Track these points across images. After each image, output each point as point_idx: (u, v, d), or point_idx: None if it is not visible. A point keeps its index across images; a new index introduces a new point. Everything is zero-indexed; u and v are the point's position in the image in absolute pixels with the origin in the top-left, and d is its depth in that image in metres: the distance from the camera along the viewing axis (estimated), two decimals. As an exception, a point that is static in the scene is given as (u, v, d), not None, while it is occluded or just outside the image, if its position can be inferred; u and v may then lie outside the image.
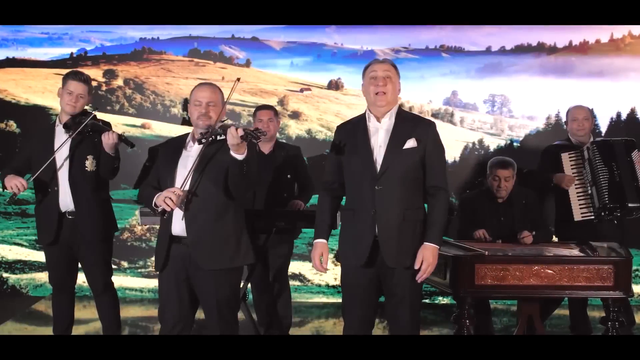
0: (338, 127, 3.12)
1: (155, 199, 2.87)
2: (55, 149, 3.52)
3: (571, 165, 4.15)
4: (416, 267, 2.86)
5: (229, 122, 3.02)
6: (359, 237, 2.91)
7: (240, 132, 2.71)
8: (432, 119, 5.60)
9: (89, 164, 3.58)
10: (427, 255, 2.85)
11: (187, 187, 2.87)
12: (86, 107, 3.66)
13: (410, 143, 2.89)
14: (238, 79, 2.98)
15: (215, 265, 2.90)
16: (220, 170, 2.87)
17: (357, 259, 2.91)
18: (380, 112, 2.96)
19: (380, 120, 2.96)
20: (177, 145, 3.05)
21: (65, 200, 3.55)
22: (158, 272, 3.04)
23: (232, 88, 2.95)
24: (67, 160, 3.54)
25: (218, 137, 2.89)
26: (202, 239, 2.89)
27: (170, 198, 2.79)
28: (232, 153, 2.77)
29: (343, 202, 3.10)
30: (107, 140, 3.48)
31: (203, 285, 2.93)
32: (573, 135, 4.25)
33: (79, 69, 3.87)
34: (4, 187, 3.53)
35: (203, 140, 2.87)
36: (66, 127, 3.55)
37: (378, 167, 2.89)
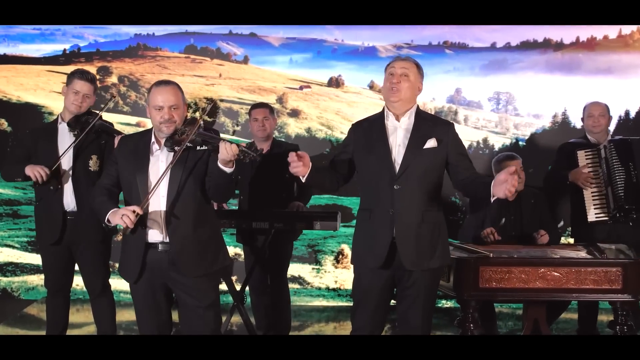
0: (354, 124, 3.12)
1: (109, 215, 2.81)
2: (60, 147, 3.57)
3: (587, 164, 4.15)
4: (501, 184, 2.67)
5: (201, 122, 2.91)
6: (376, 238, 2.91)
7: (236, 149, 2.68)
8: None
9: (93, 163, 3.62)
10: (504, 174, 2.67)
11: (164, 195, 2.84)
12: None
13: (431, 143, 2.91)
14: (220, 100, 2.97)
15: (199, 272, 2.90)
16: (199, 177, 2.87)
17: (374, 261, 2.91)
18: (399, 111, 2.97)
19: (400, 119, 2.97)
20: (137, 146, 2.94)
21: (67, 200, 3.58)
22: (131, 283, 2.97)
23: (210, 108, 2.95)
24: (71, 160, 3.57)
25: (198, 147, 2.84)
26: (185, 247, 2.87)
27: (128, 217, 2.73)
28: (220, 165, 2.76)
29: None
30: None
31: (186, 292, 2.91)
32: (589, 133, 4.26)
33: (83, 67, 3.89)
34: (24, 177, 3.51)
35: (176, 148, 2.81)
36: (70, 126, 3.59)
37: (397, 166, 2.89)
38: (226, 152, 2.70)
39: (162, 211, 2.85)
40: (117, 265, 4.57)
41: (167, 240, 2.86)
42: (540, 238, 3.91)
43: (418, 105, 3.03)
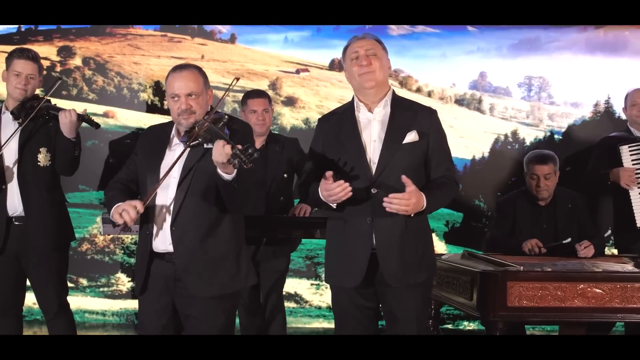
0: (320, 119, 3.13)
1: (113, 210, 2.82)
2: (3, 140, 3.54)
3: (632, 161, 4.18)
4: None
5: (217, 119, 2.89)
6: (353, 252, 2.90)
7: (228, 150, 2.61)
8: (456, 106, 5.65)
9: (42, 157, 3.60)
10: (413, 194, 2.78)
11: (172, 197, 2.84)
12: (37, 91, 3.69)
13: (411, 136, 2.90)
14: (237, 79, 2.98)
15: (210, 292, 2.88)
16: (211, 179, 2.81)
17: (351, 280, 2.91)
18: (372, 99, 2.96)
19: (373, 110, 2.96)
20: (158, 138, 2.99)
21: (13, 202, 3.57)
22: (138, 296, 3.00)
23: (228, 87, 2.96)
24: (16, 154, 3.56)
25: (205, 145, 2.81)
26: (194, 262, 2.86)
27: (128, 212, 2.74)
28: (218, 170, 2.73)
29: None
30: (65, 118, 3.49)
31: (192, 313, 2.91)
32: (633, 124, 4.28)
33: (26, 46, 3.88)
34: None
35: (188, 144, 2.82)
36: (14, 114, 3.58)
37: (373, 167, 2.89)
38: (218, 152, 2.66)
39: (169, 216, 2.84)
40: (80, 280, 4.54)
41: (173, 250, 2.87)
42: (583, 250, 3.84)
43: (393, 90, 3.03)
